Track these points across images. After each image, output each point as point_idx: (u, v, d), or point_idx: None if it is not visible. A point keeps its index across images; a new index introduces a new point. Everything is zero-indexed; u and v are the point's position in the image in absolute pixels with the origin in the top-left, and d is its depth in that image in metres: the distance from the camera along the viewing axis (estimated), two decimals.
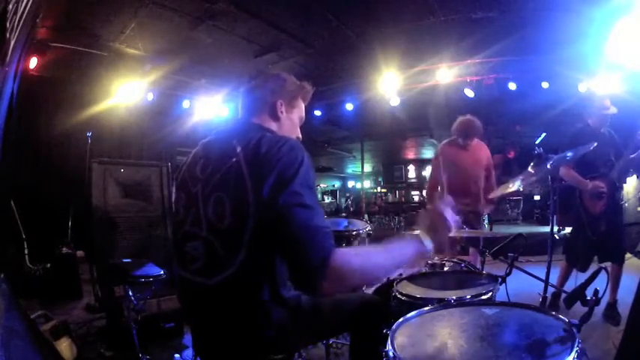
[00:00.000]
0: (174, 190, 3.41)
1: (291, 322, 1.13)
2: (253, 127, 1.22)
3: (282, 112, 1.27)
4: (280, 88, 1.29)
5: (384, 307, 1.43)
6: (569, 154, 1.97)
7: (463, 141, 3.16)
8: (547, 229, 1.91)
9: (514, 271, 1.56)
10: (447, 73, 5.42)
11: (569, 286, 2.82)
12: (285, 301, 1.11)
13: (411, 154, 13.54)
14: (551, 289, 2.29)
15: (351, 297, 1.41)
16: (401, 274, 1.67)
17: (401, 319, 1.10)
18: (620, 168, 2.77)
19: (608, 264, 2.78)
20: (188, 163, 1.23)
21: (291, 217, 0.94)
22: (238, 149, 1.07)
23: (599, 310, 2.84)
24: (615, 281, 2.80)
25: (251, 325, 1.08)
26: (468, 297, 1.32)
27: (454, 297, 1.33)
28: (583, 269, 2.85)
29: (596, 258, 2.92)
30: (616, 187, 2.80)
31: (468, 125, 3.14)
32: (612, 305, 2.78)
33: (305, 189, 0.98)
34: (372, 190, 15.25)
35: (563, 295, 1.37)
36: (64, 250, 3.79)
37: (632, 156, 2.69)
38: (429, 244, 1.08)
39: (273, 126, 1.25)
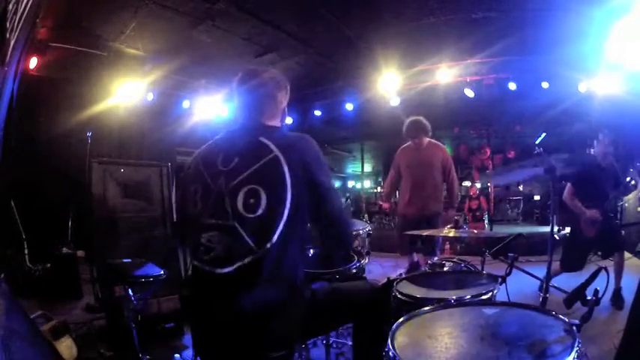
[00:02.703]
0: (174, 187, 3.46)
1: (303, 312, 1.17)
2: (269, 127, 1.32)
3: (285, 114, 1.40)
4: (284, 90, 1.38)
5: (388, 299, 1.46)
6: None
7: (412, 142, 3.41)
8: (547, 229, 1.92)
9: (514, 271, 1.56)
10: (447, 73, 5.40)
11: (570, 285, 2.85)
12: (300, 290, 1.18)
13: None
14: (551, 289, 2.32)
15: (358, 286, 1.44)
16: (401, 274, 1.66)
17: (401, 319, 1.10)
18: (613, 198, 3.13)
19: (607, 263, 2.94)
20: (202, 156, 1.28)
21: (330, 198, 1.21)
22: (272, 146, 1.18)
23: (600, 310, 2.87)
24: (619, 268, 2.99)
25: (271, 312, 1.10)
26: (468, 297, 1.32)
27: (454, 297, 1.33)
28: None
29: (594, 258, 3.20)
30: (609, 217, 3.11)
31: (412, 125, 3.38)
32: (617, 291, 2.95)
33: (329, 174, 1.24)
34: (372, 190, 15.20)
35: (564, 295, 1.37)
36: (64, 250, 3.79)
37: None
38: None
39: (278, 125, 1.37)
